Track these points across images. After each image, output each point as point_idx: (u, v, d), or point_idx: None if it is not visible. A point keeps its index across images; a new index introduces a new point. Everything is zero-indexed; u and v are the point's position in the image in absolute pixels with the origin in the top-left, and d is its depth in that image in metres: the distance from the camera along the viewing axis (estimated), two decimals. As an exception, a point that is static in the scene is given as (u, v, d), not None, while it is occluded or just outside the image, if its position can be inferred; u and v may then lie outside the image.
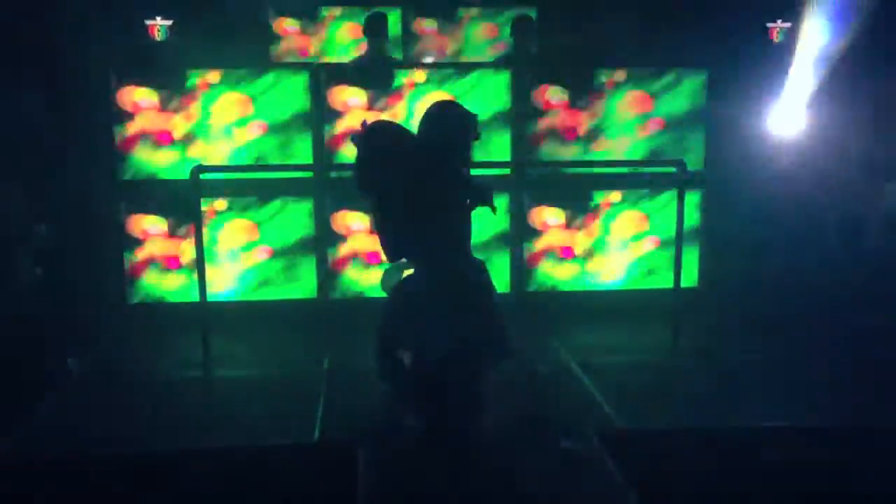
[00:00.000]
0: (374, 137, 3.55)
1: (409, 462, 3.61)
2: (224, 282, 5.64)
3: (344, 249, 5.69)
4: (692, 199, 5.66)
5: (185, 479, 3.56)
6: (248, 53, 5.67)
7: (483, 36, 7.16)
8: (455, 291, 3.54)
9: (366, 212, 5.36)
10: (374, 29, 6.10)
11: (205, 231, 5.20)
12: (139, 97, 5.43)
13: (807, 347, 5.08)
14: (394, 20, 6.91)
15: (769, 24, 6.37)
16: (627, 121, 5.76)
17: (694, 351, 5.05)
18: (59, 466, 3.64)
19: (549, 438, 3.77)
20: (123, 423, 4.03)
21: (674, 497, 3.38)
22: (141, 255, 5.58)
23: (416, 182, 3.48)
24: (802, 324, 5.51)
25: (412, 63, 6.13)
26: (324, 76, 5.55)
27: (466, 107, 3.67)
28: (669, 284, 5.33)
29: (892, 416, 4.12)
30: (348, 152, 3.67)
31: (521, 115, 5.62)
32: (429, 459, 3.61)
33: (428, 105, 3.66)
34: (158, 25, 6.06)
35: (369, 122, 3.61)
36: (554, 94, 5.67)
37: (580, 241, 5.86)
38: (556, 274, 5.89)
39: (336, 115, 5.55)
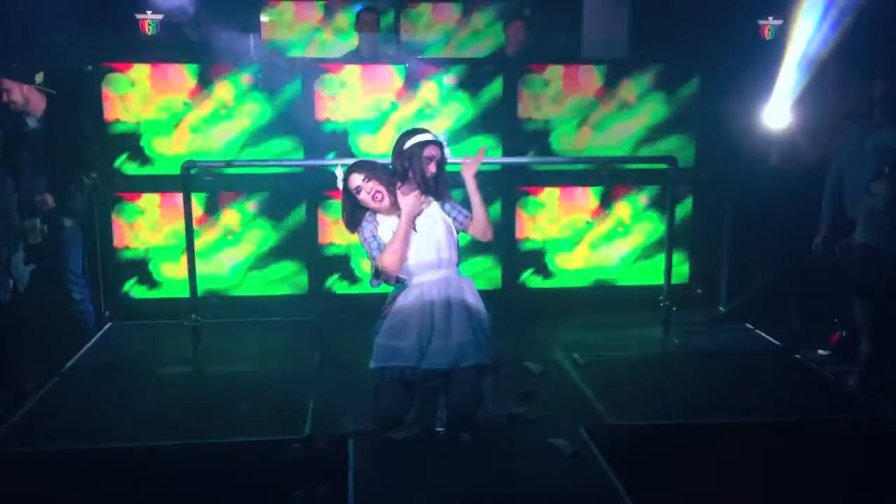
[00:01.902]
0: (349, 182, 3.86)
1: (401, 458, 3.62)
2: (216, 277, 5.64)
3: (334, 245, 5.71)
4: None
5: (175, 475, 3.56)
6: (238, 47, 5.64)
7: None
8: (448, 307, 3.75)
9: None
10: (366, 24, 6.09)
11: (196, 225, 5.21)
12: (128, 91, 5.42)
13: (794, 342, 5.13)
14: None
15: (760, 21, 6.37)
16: (618, 117, 5.77)
17: (683, 347, 5.07)
18: (49, 461, 3.64)
19: (539, 435, 3.78)
20: (114, 418, 4.03)
21: (662, 492, 3.40)
22: (131, 250, 5.58)
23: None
24: (792, 319, 5.55)
25: (404, 58, 6.11)
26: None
27: (431, 132, 3.92)
28: (660, 281, 5.35)
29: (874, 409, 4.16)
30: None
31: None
32: (420, 456, 3.62)
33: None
34: (149, 20, 6.03)
35: (340, 171, 3.89)
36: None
37: (571, 237, 5.89)
38: (546, 271, 5.91)
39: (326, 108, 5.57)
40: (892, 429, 3.95)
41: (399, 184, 3.86)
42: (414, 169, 3.83)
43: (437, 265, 3.81)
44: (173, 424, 3.94)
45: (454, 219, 3.91)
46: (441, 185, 3.91)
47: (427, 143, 3.85)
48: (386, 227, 3.86)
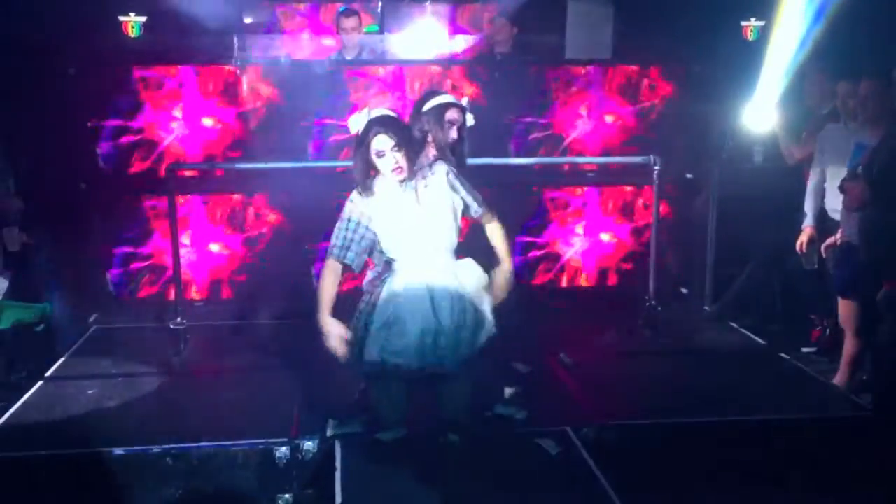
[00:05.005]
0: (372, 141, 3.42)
1: (388, 459, 3.62)
2: (201, 279, 5.62)
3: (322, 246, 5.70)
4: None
5: (162, 479, 3.56)
6: (219, 49, 5.64)
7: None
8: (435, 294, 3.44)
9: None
10: (347, 27, 6.08)
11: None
12: (113, 92, 5.39)
13: (778, 341, 5.17)
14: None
15: (743, 23, 6.41)
16: (602, 118, 5.79)
17: (669, 346, 5.09)
18: (34, 466, 3.61)
19: (526, 435, 3.78)
20: (99, 422, 4.01)
21: (649, 492, 3.41)
22: (117, 253, 5.55)
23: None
24: (777, 318, 5.59)
25: (387, 59, 6.11)
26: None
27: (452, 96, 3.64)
28: (645, 281, 5.36)
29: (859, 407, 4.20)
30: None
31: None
32: (407, 457, 3.62)
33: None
34: (132, 22, 6.00)
35: (360, 118, 3.48)
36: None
37: (554, 238, 5.90)
38: (532, 270, 5.92)
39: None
40: (876, 426, 3.98)
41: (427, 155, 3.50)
42: (434, 134, 3.52)
43: (435, 248, 3.45)
44: (159, 428, 3.91)
45: (464, 203, 3.52)
46: (461, 154, 3.63)
47: (448, 105, 3.57)
48: (382, 213, 3.45)
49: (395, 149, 3.35)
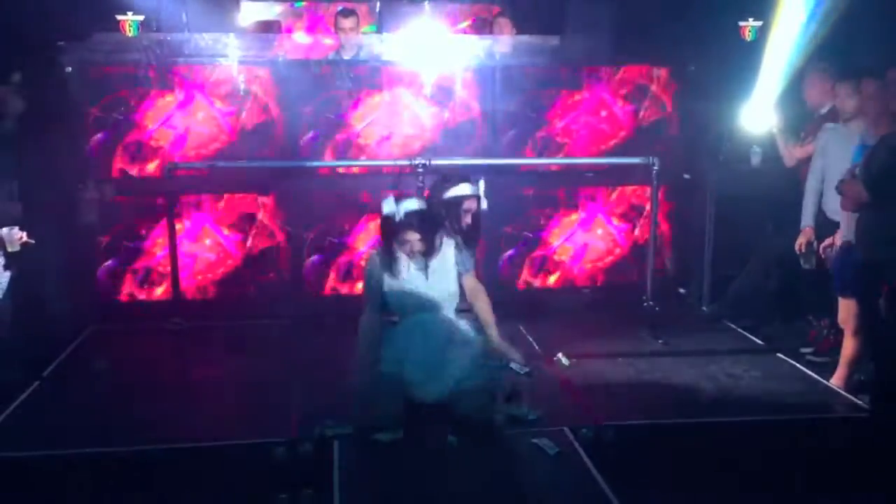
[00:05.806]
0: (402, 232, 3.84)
1: (386, 460, 3.61)
2: (199, 279, 5.61)
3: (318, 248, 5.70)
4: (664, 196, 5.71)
5: (159, 479, 3.55)
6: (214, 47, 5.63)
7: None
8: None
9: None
10: (346, 27, 6.08)
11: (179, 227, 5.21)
12: (111, 92, 5.38)
13: (777, 341, 5.17)
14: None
15: (741, 23, 6.41)
16: (600, 119, 5.79)
17: (667, 346, 5.09)
18: (31, 465, 3.62)
19: (523, 436, 3.78)
20: (96, 422, 4.00)
21: (647, 491, 3.41)
22: (115, 253, 5.54)
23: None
24: (775, 318, 5.59)
25: (383, 60, 6.10)
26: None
27: (471, 184, 4.07)
28: (643, 281, 5.36)
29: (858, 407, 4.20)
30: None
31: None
32: (405, 458, 3.62)
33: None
34: (130, 21, 5.98)
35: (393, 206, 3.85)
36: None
37: (553, 238, 5.90)
38: (530, 271, 5.92)
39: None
40: (875, 426, 3.99)
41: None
42: (451, 220, 4.00)
43: (439, 307, 3.89)
44: (156, 428, 3.91)
45: (459, 265, 3.98)
46: (472, 235, 4.09)
47: (466, 197, 4.01)
48: (393, 282, 3.87)
49: (420, 240, 3.84)
